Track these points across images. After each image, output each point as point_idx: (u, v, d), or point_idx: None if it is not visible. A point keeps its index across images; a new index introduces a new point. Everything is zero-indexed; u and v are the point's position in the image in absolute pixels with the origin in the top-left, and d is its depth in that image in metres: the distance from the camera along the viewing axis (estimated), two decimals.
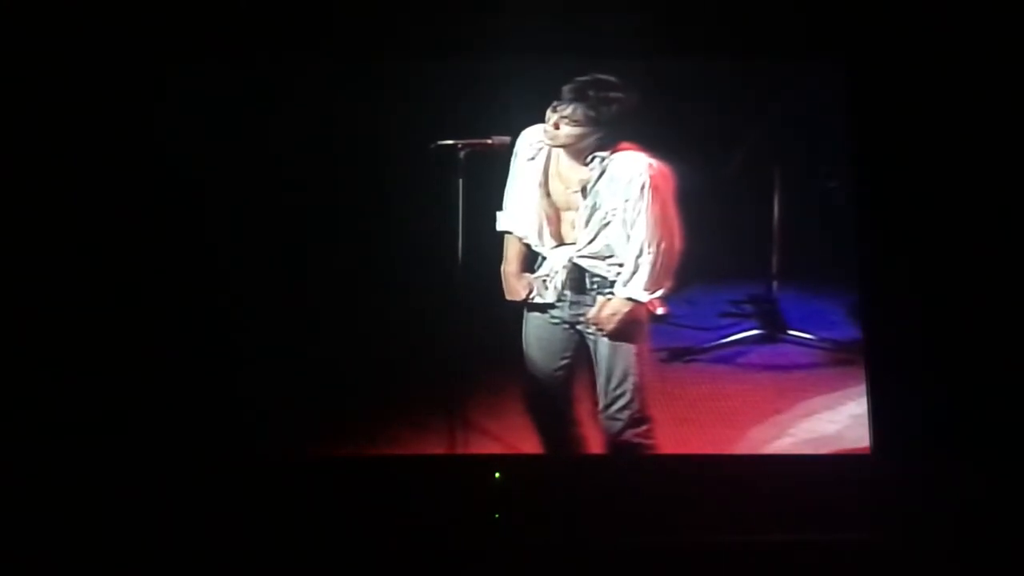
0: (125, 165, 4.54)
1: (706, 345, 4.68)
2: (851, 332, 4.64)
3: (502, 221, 4.44)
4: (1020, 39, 4.56)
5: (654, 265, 4.28)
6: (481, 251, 4.41)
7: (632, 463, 4.43)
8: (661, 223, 4.28)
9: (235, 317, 4.56)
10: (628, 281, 4.31)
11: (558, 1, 4.61)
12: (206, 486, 4.40)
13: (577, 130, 4.27)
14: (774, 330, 4.72)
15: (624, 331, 4.34)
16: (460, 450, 4.45)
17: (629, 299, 4.31)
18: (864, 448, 4.51)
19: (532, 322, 4.45)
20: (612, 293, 4.34)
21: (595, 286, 4.36)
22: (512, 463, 4.47)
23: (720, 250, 4.51)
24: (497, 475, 4.46)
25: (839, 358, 4.64)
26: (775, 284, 4.74)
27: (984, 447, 4.39)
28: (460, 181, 4.34)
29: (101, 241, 4.51)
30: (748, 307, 4.74)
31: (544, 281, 4.40)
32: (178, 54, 4.59)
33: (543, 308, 4.42)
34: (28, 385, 4.42)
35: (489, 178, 4.40)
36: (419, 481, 4.41)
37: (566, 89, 4.27)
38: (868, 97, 4.66)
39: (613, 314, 4.33)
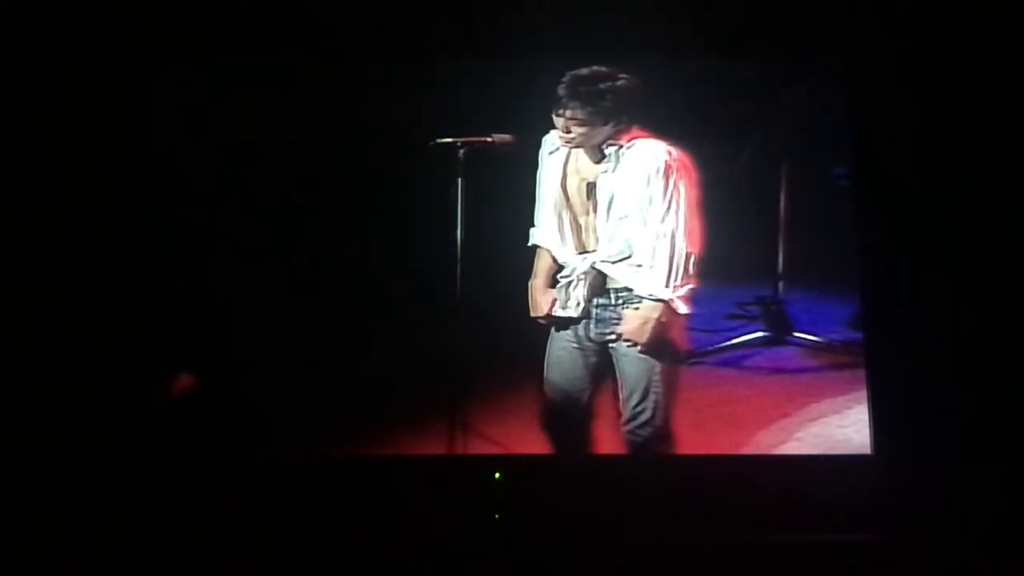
0: (125, 165, 4.57)
1: (712, 347, 4.62)
2: (859, 334, 4.56)
3: (533, 235, 4.35)
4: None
5: (672, 256, 4.13)
6: (481, 250, 4.36)
7: (633, 464, 4.38)
8: (679, 211, 4.14)
9: (235, 318, 4.56)
10: (647, 276, 4.15)
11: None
12: (206, 486, 4.39)
13: (585, 128, 4.15)
14: (781, 332, 4.66)
15: (658, 341, 4.16)
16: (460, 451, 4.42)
17: (651, 298, 4.16)
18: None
19: (556, 344, 4.31)
20: (638, 306, 4.19)
21: (620, 300, 4.22)
22: (512, 464, 4.43)
23: (726, 250, 4.42)
24: (497, 475, 4.43)
25: (847, 361, 4.57)
26: (781, 285, 4.69)
27: (985, 448, 4.34)
28: (460, 180, 4.31)
29: (100, 241, 4.54)
30: (754, 308, 4.68)
31: (567, 288, 4.27)
32: (178, 53, 4.63)
33: (568, 327, 4.27)
34: (30, 386, 4.46)
35: (489, 177, 4.35)
36: (419, 481, 4.39)
37: (559, 90, 4.15)
38: (874, 97, 4.62)
39: (644, 323, 4.15)
